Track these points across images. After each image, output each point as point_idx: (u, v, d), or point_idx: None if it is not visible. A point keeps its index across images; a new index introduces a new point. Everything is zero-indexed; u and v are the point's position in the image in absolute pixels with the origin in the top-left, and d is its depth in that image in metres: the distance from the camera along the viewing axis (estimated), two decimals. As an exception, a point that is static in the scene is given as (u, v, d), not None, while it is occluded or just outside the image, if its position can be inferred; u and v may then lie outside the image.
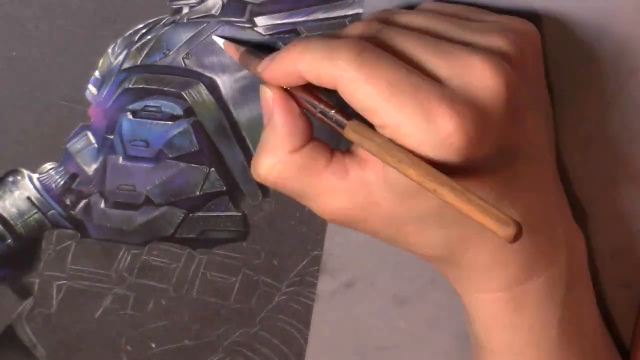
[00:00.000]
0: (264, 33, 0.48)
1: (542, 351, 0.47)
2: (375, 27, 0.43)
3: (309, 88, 0.43)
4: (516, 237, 0.36)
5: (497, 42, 0.42)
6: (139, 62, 0.49)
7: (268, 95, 0.43)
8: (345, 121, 0.41)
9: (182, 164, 0.50)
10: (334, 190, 0.43)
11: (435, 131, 0.38)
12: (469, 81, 0.40)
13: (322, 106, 0.42)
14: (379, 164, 0.41)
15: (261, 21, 0.48)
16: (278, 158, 0.43)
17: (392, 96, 0.39)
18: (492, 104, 0.40)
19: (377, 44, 0.41)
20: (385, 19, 0.44)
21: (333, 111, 0.41)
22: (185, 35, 0.48)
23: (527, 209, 0.43)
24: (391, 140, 0.39)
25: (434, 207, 0.41)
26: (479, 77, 0.40)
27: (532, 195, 0.44)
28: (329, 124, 0.41)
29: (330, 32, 0.45)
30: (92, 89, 0.49)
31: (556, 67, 0.49)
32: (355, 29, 0.43)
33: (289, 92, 0.43)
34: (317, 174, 0.43)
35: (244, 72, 0.49)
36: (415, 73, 0.40)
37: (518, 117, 0.42)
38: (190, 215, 0.51)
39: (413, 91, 0.39)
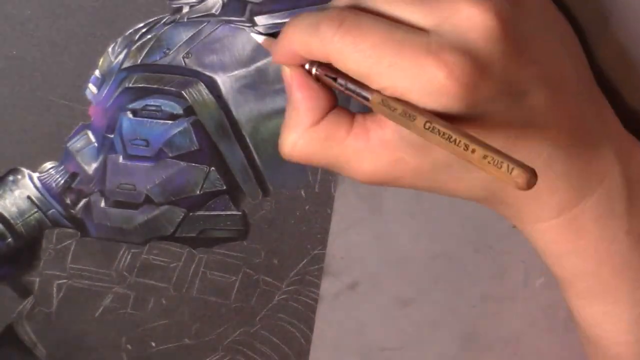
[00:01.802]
0: (264, 32, 0.48)
1: (616, 266, 0.46)
2: None
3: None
4: (529, 184, 0.35)
5: None
6: (139, 61, 0.49)
7: (286, 73, 0.43)
8: (366, 93, 0.41)
9: (182, 163, 0.50)
10: (359, 154, 0.42)
11: (428, 83, 0.38)
12: (457, 24, 0.39)
13: (341, 80, 0.42)
14: None
15: (261, 20, 0.48)
16: (298, 134, 0.43)
17: (381, 58, 0.39)
18: (486, 42, 0.39)
19: (361, 8, 0.41)
20: None
21: (349, 83, 0.41)
22: (185, 34, 0.48)
23: (556, 135, 0.43)
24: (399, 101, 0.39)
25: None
26: (467, 18, 0.39)
27: (561, 121, 0.43)
28: (353, 96, 0.42)
29: (320, 7, 0.45)
30: (92, 88, 0.49)
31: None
32: None
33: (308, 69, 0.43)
34: (339, 143, 0.43)
35: (244, 71, 0.49)
36: (399, 29, 0.39)
37: (523, 49, 0.41)
38: (191, 214, 0.51)
39: (399, 48, 0.39)
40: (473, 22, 0.39)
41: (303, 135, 0.43)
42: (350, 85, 0.41)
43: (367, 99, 0.41)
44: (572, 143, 0.44)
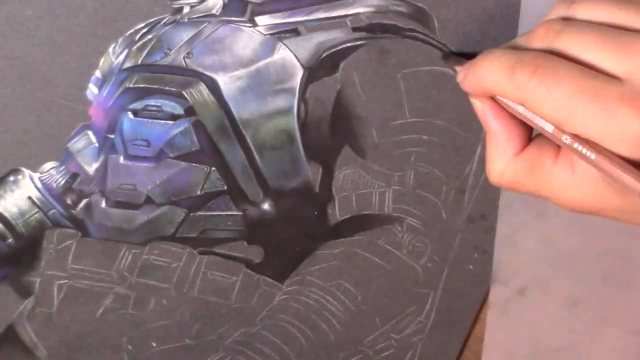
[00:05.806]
0: (264, 32, 0.48)
1: None
2: (555, 29, 0.43)
3: None
4: None
5: None
6: (139, 62, 0.49)
7: (477, 105, 0.45)
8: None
9: (183, 164, 0.50)
10: (565, 186, 0.43)
11: (623, 132, 0.39)
12: None
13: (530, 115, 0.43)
14: None
15: (262, 20, 0.48)
16: (504, 164, 0.44)
17: (575, 107, 0.40)
18: None
19: (557, 52, 0.42)
20: (566, 15, 0.45)
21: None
22: (186, 34, 0.48)
23: None
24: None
25: None
26: None
27: None
28: (541, 131, 0.42)
29: (514, 41, 0.45)
30: (93, 88, 0.49)
31: None
32: (536, 35, 0.44)
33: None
34: (545, 172, 0.44)
35: (245, 71, 0.49)
36: (593, 77, 0.40)
37: None
38: (191, 214, 0.52)
39: (593, 97, 0.40)
40: None
41: (509, 165, 0.44)
42: (539, 121, 0.42)
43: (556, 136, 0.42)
44: None
